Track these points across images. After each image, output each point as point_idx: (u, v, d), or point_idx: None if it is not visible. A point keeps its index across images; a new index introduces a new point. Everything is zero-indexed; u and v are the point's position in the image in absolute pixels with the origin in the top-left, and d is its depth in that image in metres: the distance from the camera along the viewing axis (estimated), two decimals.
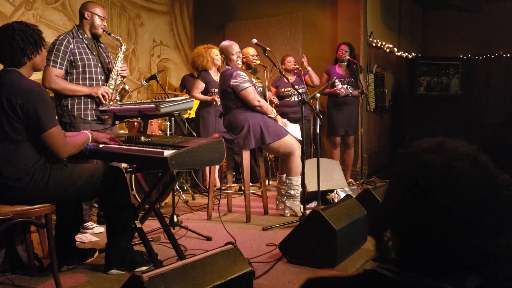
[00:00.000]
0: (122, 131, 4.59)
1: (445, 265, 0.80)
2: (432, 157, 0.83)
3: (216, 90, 5.12)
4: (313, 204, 4.26)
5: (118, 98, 3.63)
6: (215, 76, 5.21)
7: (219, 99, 4.98)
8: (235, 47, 4.11)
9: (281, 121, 4.22)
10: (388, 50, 7.08)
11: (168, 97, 3.75)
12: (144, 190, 4.21)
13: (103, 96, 3.48)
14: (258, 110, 4.00)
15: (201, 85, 5.13)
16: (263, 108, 4.03)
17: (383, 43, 6.87)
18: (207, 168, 4.89)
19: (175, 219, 3.67)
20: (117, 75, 3.63)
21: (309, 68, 5.63)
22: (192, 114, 5.64)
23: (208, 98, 5.12)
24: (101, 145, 2.70)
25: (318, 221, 2.77)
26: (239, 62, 4.13)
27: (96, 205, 4.00)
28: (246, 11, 7.07)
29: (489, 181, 0.81)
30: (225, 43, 4.19)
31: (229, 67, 4.09)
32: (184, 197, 4.86)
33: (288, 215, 4.13)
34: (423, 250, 0.81)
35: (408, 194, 0.83)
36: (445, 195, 0.79)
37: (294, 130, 4.23)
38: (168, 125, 4.80)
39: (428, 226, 0.80)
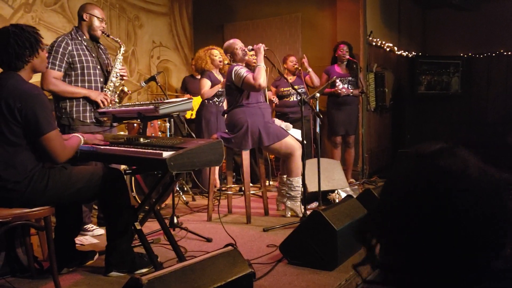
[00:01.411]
0: (122, 133, 4.58)
1: (439, 280, 0.75)
2: (448, 162, 0.77)
3: (220, 89, 5.12)
4: (314, 205, 4.25)
5: (117, 100, 3.62)
6: (218, 75, 5.21)
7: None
8: (238, 42, 4.15)
9: (284, 124, 4.21)
10: (388, 49, 7.07)
11: (167, 98, 3.74)
12: (144, 192, 4.20)
13: (102, 102, 3.47)
14: (262, 86, 3.88)
15: (207, 83, 5.10)
16: (263, 80, 3.87)
17: (383, 42, 6.86)
18: (207, 169, 4.88)
19: (175, 220, 3.66)
20: (116, 77, 3.62)
21: (310, 69, 5.62)
22: (193, 114, 5.64)
23: (218, 86, 5.07)
24: (101, 146, 2.69)
25: (318, 222, 2.76)
26: (245, 54, 4.13)
27: (96, 207, 3.99)
28: (245, 11, 7.07)
29: (497, 194, 0.76)
30: (228, 41, 4.23)
31: (234, 64, 4.10)
32: (185, 198, 4.85)
33: (289, 215, 4.12)
34: (420, 261, 0.76)
35: (419, 199, 0.76)
36: (458, 202, 0.73)
37: (296, 133, 4.22)
38: (168, 126, 4.79)
39: (435, 234, 0.74)
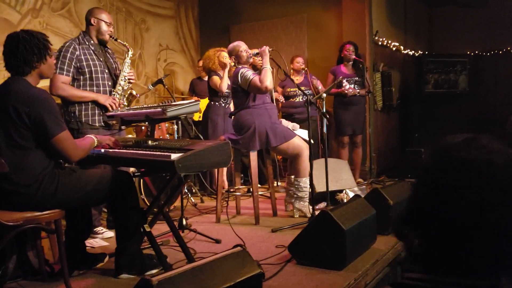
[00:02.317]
0: (130, 136, 4.61)
1: (475, 266, 0.77)
2: (471, 153, 0.79)
3: (226, 90, 5.14)
4: (322, 205, 4.25)
5: (125, 103, 3.64)
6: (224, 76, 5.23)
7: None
8: (242, 45, 4.14)
9: (291, 125, 4.21)
10: (394, 49, 7.05)
11: (174, 101, 3.76)
12: (153, 194, 4.22)
13: (110, 106, 3.50)
14: (268, 89, 3.91)
15: (218, 80, 5.13)
16: (270, 83, 3.90)
17: (389, 42, 6.85)
18: (215, 171, 4.90)
19: (184, 222, 3.67)
20: (125, 81, 3.65)
21: (320, 86, 5.62)
22: (200, 116, 5.66)
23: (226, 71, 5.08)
24: (107, 149, 2.71)
25: (327, 222, 2.76)
26: (250, 56, 4.13)
27: (106, 210, 4.02)
28: (251, 13, 7.09)
29: None
30: (232, 44, 4.24)
31: (239, 66, 4.11)
32: (193, 200, 4.87)
33: (297, 216, 4.12)
34: (454, 250, 0.78)
35: (445, 191, 0.78)
36: (484, 192, 0.75)
37: (303, 133, 4.23)
38: (176, 129, 4.81)
39: (464, 224, 0.76)
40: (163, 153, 2.41)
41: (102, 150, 2.73)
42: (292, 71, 5.75)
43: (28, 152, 2.40)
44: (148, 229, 2.78)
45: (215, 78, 5.13)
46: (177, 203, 4.43)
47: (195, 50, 7.55)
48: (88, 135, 2.71)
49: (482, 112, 8.06)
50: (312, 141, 3.93)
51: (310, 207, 3.93)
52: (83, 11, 5.63)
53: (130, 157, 2.60)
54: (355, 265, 2.82)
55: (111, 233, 3.63)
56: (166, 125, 5.11)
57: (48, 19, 5.39)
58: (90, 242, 3.42)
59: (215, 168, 4.37)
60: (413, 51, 7.77)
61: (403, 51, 7.39)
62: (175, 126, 4.81)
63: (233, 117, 4.20)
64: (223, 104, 5.25)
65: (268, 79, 3.85)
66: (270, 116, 4.04)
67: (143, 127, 4.82)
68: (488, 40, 7.91)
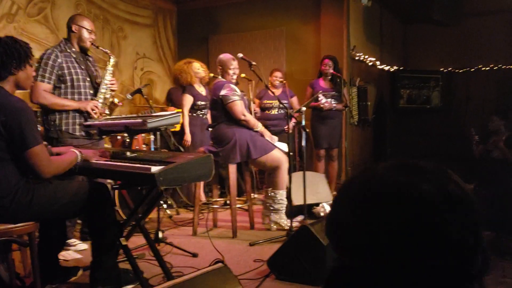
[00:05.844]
0: (105, 146, 4.52)
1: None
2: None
3: (202, 102, 5.12)
4: (300, 218, 4.25)
5: (107, 112, 3.58)
6: (199, 88, 5.21)
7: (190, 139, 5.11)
8: (233, 62, 4.13)
9: (269, 135, 4.21)
10: (370, 64, 7.16)
11: (153, 111, 3.71)
12: (128, 205, 4.14)
13: (93, 110, 3.43)
14: (244, 124, 4.00)
15: (189, 100, 5.12)
16: (249, 123, 4.02)
17: (366, 57, 6.95)
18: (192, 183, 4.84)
19: (160, 235, 3.61)
20: (106, 89, 3.59)
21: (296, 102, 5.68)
22: (177, 127, 5.60)
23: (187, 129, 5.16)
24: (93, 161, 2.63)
25: (307, 237, 2.76)
26: (235, 77, 4.15)
27: (80, 221, 3.92)
28: (230, 24, 7.10)
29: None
30: (225, 56, 4.21)
31: (223, 80, 4.10)
32: (169, 212, 4.80)
33: (274, 229, 4.11)
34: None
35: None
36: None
37: (281, 145, 4.23)
38: (153, 139, 4.74)
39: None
40: (143, 166, 2.35)
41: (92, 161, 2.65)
42: (270, 84, 5.76)
43: (3, 164, 2.31)
44: (124, 243, 2.71)
45: (186, 98, 5.15)
46: (152, 215, 4.35)
47: (172, 59, 7.50)
48: (72, 149, 2.59)
49: (454, 127, 8.23)
50: (291, 153, 3.94)
51: (288, 220, 3.92)
52: (59, 17, 5.54)
53: (109, 169, 2.54)
54: None
55: (84, 245, 3.54)
56: (143, 135, 5.03)
57: (23, 24, 5.26)
58: (63, 255, 3.32)
59: (197, 182, 4.31)
60: (388, 67, 7.91)
61: (378, 66, 7.52)
62: (152, 137, 4.74)
63: (210, 129, 4.17)
64: (201, 115, 5.22)
65: (250, 122, 4.04)
66: (250, 130, 4.04)
67: (118, 137, 4.74)
68: (461, 57, 8.13)
